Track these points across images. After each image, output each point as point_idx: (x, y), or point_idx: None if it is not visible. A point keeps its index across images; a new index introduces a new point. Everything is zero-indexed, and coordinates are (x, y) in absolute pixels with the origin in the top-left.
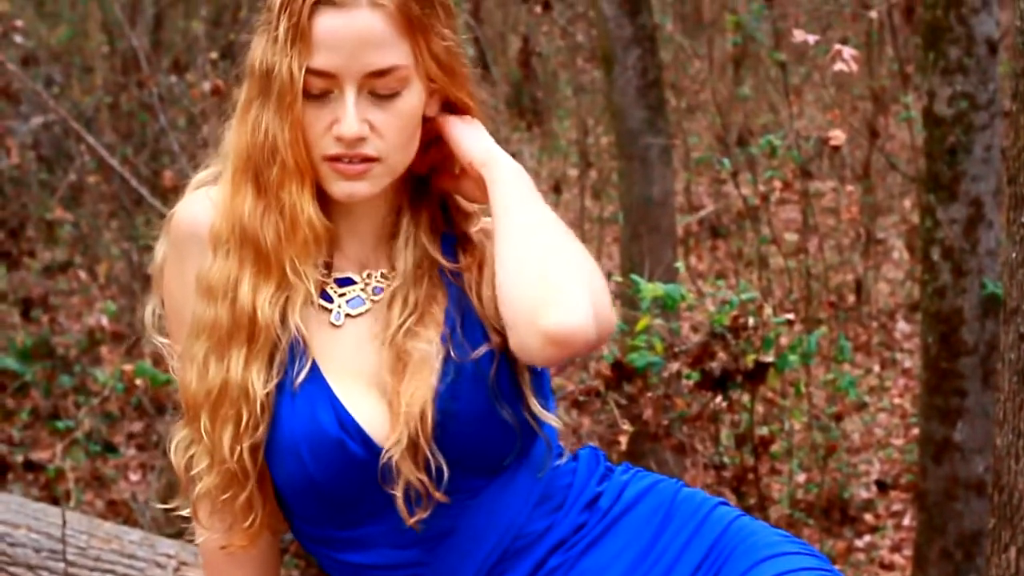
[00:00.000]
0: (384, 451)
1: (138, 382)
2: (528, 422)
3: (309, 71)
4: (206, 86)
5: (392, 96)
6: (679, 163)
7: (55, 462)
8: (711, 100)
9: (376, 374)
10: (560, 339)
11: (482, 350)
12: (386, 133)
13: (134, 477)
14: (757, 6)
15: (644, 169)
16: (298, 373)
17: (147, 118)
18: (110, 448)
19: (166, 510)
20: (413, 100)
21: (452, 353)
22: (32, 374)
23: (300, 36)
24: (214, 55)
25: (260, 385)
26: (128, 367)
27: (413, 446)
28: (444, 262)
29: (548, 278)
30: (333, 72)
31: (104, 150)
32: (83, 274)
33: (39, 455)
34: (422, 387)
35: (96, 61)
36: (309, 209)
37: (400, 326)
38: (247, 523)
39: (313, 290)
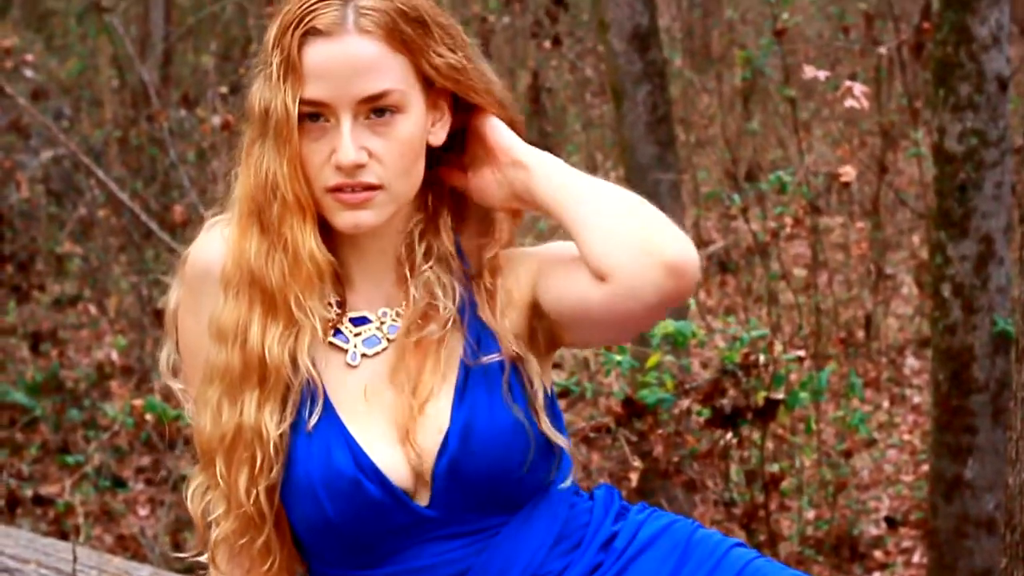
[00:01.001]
0: (401, 491)
1: (148, 417)
2: (545, 447)
3: (303, 102)
4: (216, 120)
5: (388, 122)
6: (688, 198)
7: (64, 497)
8: (720, 135)
9: (392, 414)
10: (680, 268)
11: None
12: (385, 159)
13: (143, 512)
14: (767, 41)
15: (653, 204)
16: (313, 414)
17: (157, 152)
18: (119, 483)
19: (180, 557)
20: (411, 125)
21: (468, 390)
22: (41, 408)
23: (291, 68)
24: (224, 89)
25: (273, 427)
26: (138, 402)
27: (430, 485)
28: (460, 291)
29: (648, 217)
30: (326, 101)
31: (114, 184)
32: (92, 308)
33: (48, 489)
34: (438, 426)
35: (106, 95)
36: (311, 243)
37: (415, 366)
38: (266, 567)
39: (319, 326)
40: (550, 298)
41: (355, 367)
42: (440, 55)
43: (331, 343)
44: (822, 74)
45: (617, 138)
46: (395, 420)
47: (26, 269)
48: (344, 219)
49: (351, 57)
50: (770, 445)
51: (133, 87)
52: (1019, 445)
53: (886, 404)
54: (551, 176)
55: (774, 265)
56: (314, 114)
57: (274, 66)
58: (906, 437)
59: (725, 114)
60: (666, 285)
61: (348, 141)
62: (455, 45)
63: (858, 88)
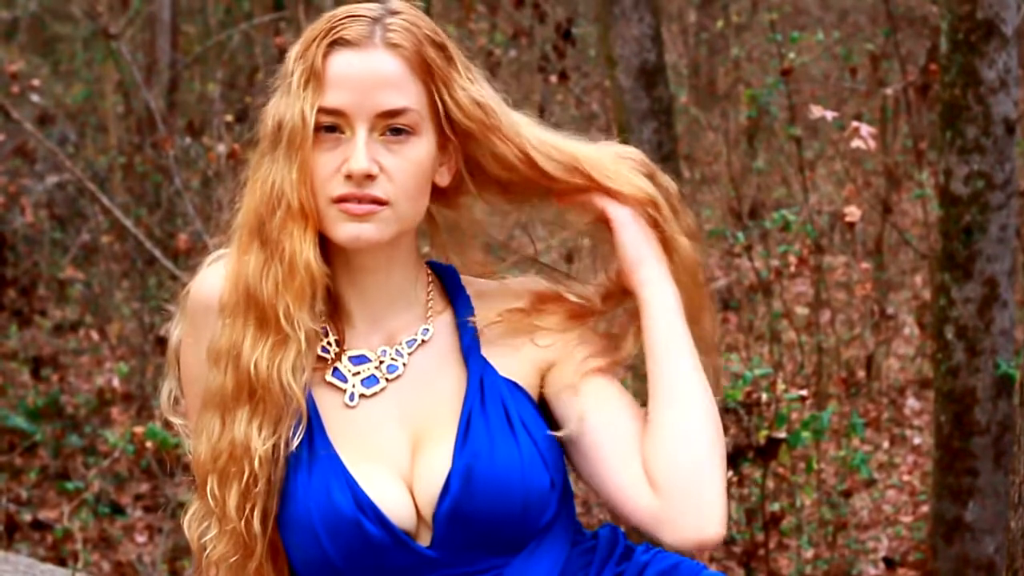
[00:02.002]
0: (402, 531)
1: (148, 444)
2: (547, 488)
3: (321, 110)
4: (221, 148)
5: (403, 141)
6: None
7: (63, 522)
8: (724, 172)
9: (392, 454)
10: (705, 544)
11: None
12: (396, 177)
13: (140, 539)
14: (773, 80)
15: None
16: (313, 453)
17: (161, 179)
18: (117, 509)
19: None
20: (423, 149)
21: (471, 431)
22: (41, 433)
23: (314, 76)
24: (229, 118)
25: (260, 441)
26: (139, 429)
27: (431, 525)
28: (461, 335)
29: (707, 479)
30: (345, 111)
31: (118, 210)
32: (94, 334)
33: (47, 514)
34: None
35: (111, 121)
36: (308, 253)
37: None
38: None
39: (303, 341)
40: (563, 410)
41: (353, 407)
42: (464, 88)
43: (329, 382)
44: (829, 114)
45: None
46: (396, 461)
47: (28, 294)
48: (346, 230)
49: (375, 70)
50: (770, 484)
51: (138, 114)
52: (1022, 489)
53: (886, 444)
54: (658, 321)
55: (776, 303)
56: (330, 126)
57: (295, 77)
58: (906, 478)
59: (730, 152)
60: (686, 545)
61: (362, 150)
62: (478, 82)
63: (865, 129)
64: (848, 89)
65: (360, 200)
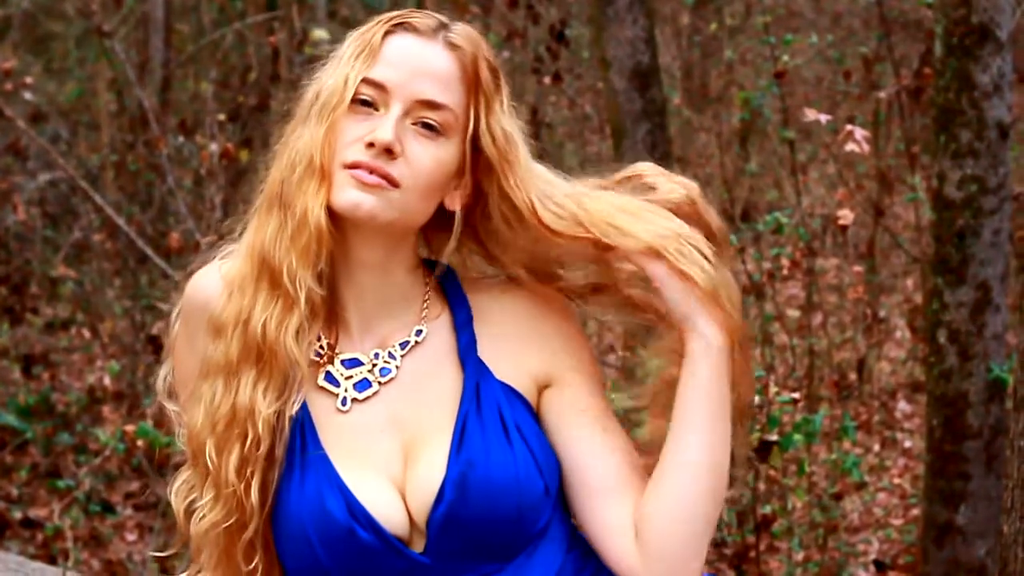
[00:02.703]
0: (395, 538)
1: (139, 443)
2: (542, 494)
3: (365, 81)
4: (214, 147)
5: (432, 138)
6: None
7: (53, 520)
8: (717, 174)
9: (385, 460)
10: None
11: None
12: (414, 165)
13: (131, 537)
14: (766, 82)
15: None
16: (305, 458)
17: (153, 177)
18: (108, 508)
19: (161, 559)
20: (447, 153)
21: (466, 437)
22: (32, 431)
23: (367, 50)
24: (222, 116)
25: (265, 404)
26: (130, 427)
27: (424, 531)
28: (458, 336)
29: (694, 553)
30: (388, 86)
31: (111, 208)
32: (86, 332)
33: (37, 512)
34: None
35: (103, 119)
36: (319, 212)
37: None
38: (249, 568)
39: (304, 304)
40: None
41: (346, 412)
42: (500, 117)
43: (321, 386)
44: (823, 117)
45: None
46: (388, 467)
47: (20, 291)
48: (348, 195)
49: (429, 59)
50: (762, 486)
51: (131, 112)
52: (1015, 493)
53: (877, 447)
54: (699, 381)
55: (768, 306)
56: (367, 101)
57: (348, 50)
58: (897, 481)
59: (723, 154)
60: None
61: (392, 124)
62: (513, 118)
63: (859, 132)
64: (841, 92)
65: (372, 171)
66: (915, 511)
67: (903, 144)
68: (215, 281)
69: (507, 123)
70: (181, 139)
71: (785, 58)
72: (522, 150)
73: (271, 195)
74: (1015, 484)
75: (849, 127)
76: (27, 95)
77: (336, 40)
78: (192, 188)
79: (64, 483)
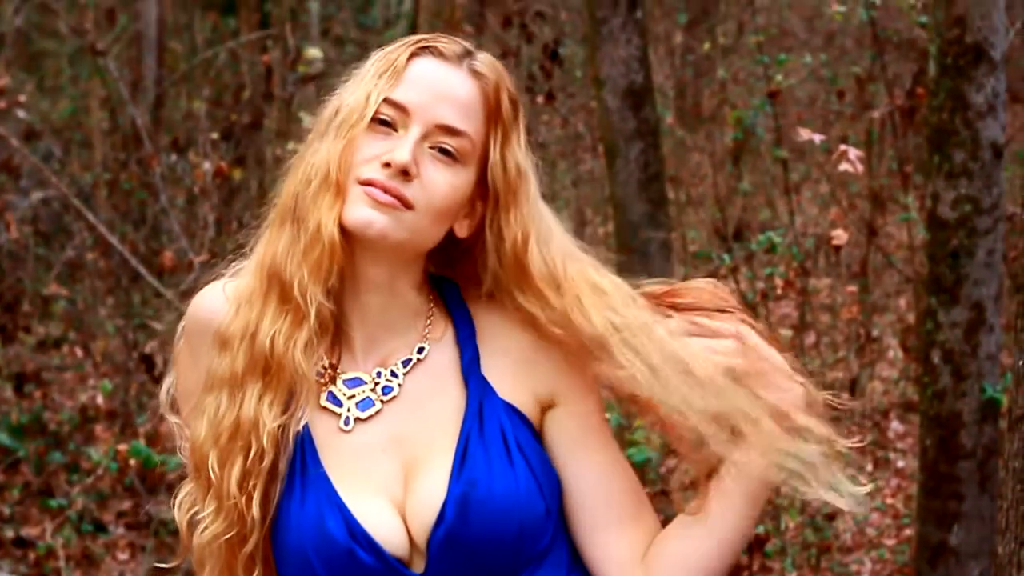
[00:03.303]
0: (395, 559)
1: (132, 462)
2: (543, 514)
3: (387, 101)
4: (207, 166)
5: (449, 164)
6: (675, 256)
7: (46, 539)
8: (708, 194)
9: (386, 480)
10: None
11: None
12: (429, 188)
13: (122, 556)
14: (759, 101)
15: (644, 263)
16: (306, 478)
17: (146, 196)
18: (100, 527)
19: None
20: (461, 180)
21: (468, 456)
22: (24, 450)
23: (392, 70)
24: (215, 135)
25: (271, 419)
26: (122, 446)
27: (425, 552)
28: (461, 353)
29: None
30: (409, 108)
31: (104, 227)
32: (78, 351)
33: (29, 531)
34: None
35: (96, 137)
36: (332, 227)
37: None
38: None
39: (313, 317)
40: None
41: (348, 431)
42: (515, 149)
43: (324, 406)
44: (818, 137)
45: (609, 195)
46: (389, 487)
47: (12, 310)
48: (361, 212)
49: (452, 85)
50: None
51: (124, 130)
52: (1010, 515)
53: (869, 467)
54: (748, 507)
55: (761, 325)
56: (387, 121)
57: (372, 69)
58: (889, 501)
59: (715, 173)
60: None
61: (410, 147)
62: (527, 152)
63: (853, 152)
64: (834, 112)
65: (387, 190)
66: (908, 531)
67: (896, 164)
68: (219, 299)
69: (521, 157)
70: (174, 157)
71: (779, 78)
72: (532, 186)
73: (284, 209)
74: (1010, 505)
75: (843, 147)
76: (20, 113)
77: (328, 59)
78: (185, 206)
79: (56, 502)
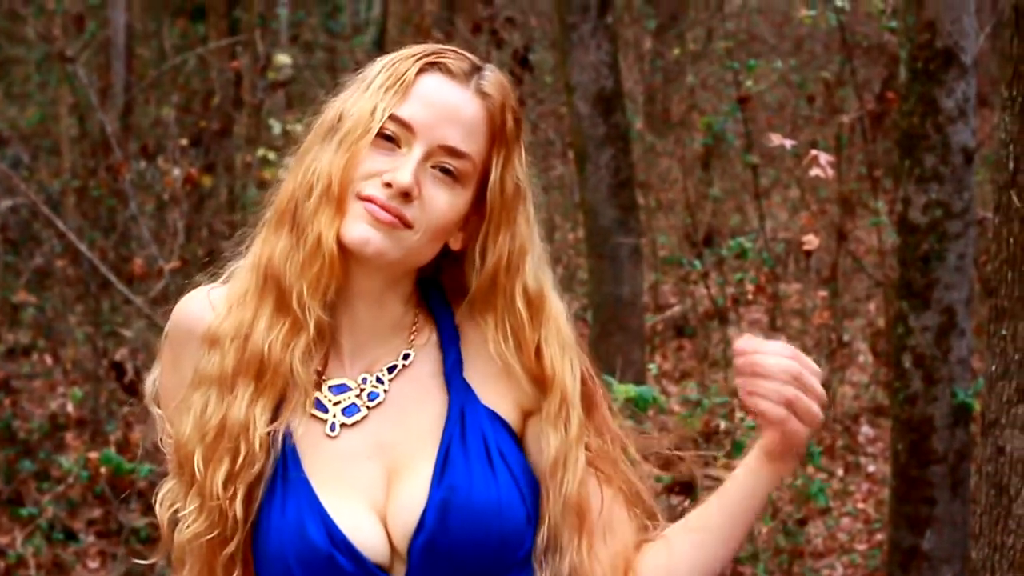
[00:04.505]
0: (375, 566)
1: (102, 470)
2: (524, 522)
3: (392, 118)
4: (176, 172)
5: (449, 184)
6: (645, 262)
7: (16, 548)
8: (678, 199)
9: (368, 486)
10: None
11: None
12: (428, 208)
13: (93, 565)
14: (729, 107)
15: (614, 268)
16: (287, 484)
17: (115, 203)
18: (70, 535)
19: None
20: (461, 200)
21: (449, 463)
22: None
23: (400, 84)
24: (184, 141)
25: (263, 423)
26: (93, 454)
27: (405, 558)
28: (444, 357)
29: None
30: (414, 128)
31: (73, 234)
32: (47, 358)
33: None
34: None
35: (64, 144)
36: (332, 242)
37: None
38: None
39: (312, 327)
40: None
41: (334, 437)
42: (515, 168)
43: (310, 413)
44: (788, 142)
45: (579, 201)
46: (370, 493)
47: None
48: (359, 230)
49: (460, 106)
50: None
51: (93, 137)
52: (983, 520)
53: (840, 472)
54: (755, 499)
55: (732, 331)
56: (390, 136)
57: (378, 79)
58: (860, 506)
59: (685, 179)
60: None
61: (412, 168)
62: (525, 168)
63: (823, 157)
64: (803, 117)
65: (386, 209)
66: (879, 536)
67: (865, 168)
68: (203, 305)
69: (521, 175)
70: (143, 164)
71: (748, 83)
72: (529, 206)
73: (281, 211)
74: (983, 510)
75: (814, 152)
76: None
77: (298, 65)
78: (154, 213)
79: (26, 511)
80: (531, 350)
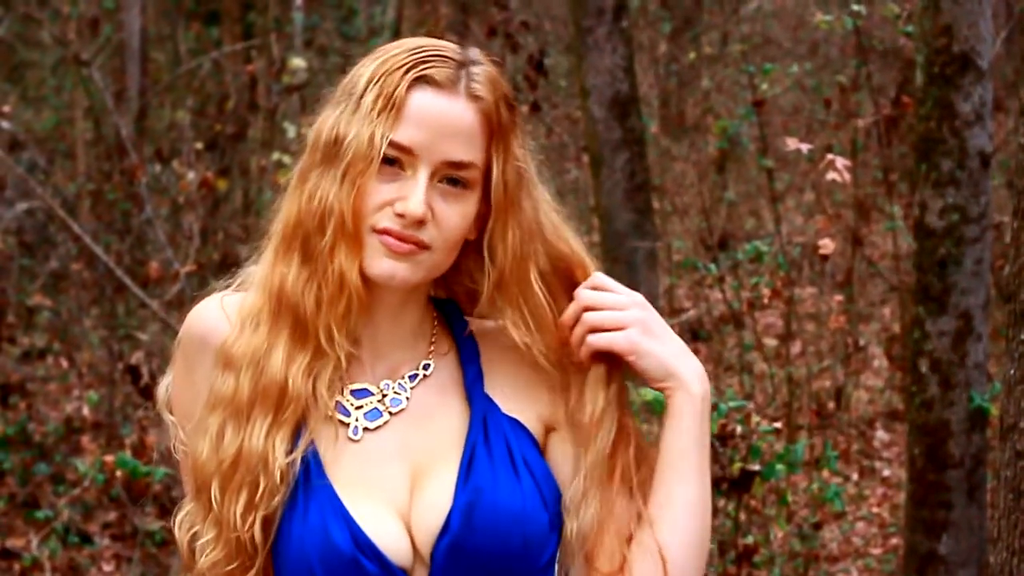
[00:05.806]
0: (399, 568)
1: (117, 473)
2: (546, 527)
3: (392, 144)
4: (191, 176)
5: (458, 194)
6: (660, 266)
7: (31, 551)
8: (693, 203)
9: (391, 488)
10: None
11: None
12: (443, 225)
13: (108, 568)
14: (744, 110)
15: (629, 272)
16: (310, 488)
17: (130, 206)
18: (85, 538)
19: None
20: (471, 204)
21: (473, 468)
22: (9, 462)
23: (393, 106)
24: (199, 145)
25: (282, 455)
26: (108, 457)
27: (428, 562)
28: (464, 372)
29: None
30: (415, 150)
31: (88, 238)
32: (63, 361)
33: (15, 543)
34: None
35: (80, 148)
36: (356, 279)
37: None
38: None
39: (343, 360)
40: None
41: (356, 441)
42: (516, 156)
43: (331, 416)
44: (804, 147)
45: (594, 205)
46: (394, 496)
47: None
48: (382, 266)
49: (454, 118)
50: (743, 516)
51: (108, 141)
52: (1001, 524)
53: (855, 476)
54: (677, 432)
55: (747, 335)
56: (391, 159)
57: (368, 99)
58: (875, 510)
59: (700, 182)
60: None
61: (422, 196)
62: (526, 150)
63: (840, 162)
64: (818, 120)
65: (403, 239)
66: (894, 540)
67: (881, 173)
68: (216, 314)
69: (521, 158)
70: (159, 168)
71: (763, 87)
72: (529, 186)
73: (289, 236)
74: (1001, 514)
75: (830, 156)
76: (4, 124)
77: (312, 69)
78: (170, 217)
79: (42, 514)
80: (553, 327)
